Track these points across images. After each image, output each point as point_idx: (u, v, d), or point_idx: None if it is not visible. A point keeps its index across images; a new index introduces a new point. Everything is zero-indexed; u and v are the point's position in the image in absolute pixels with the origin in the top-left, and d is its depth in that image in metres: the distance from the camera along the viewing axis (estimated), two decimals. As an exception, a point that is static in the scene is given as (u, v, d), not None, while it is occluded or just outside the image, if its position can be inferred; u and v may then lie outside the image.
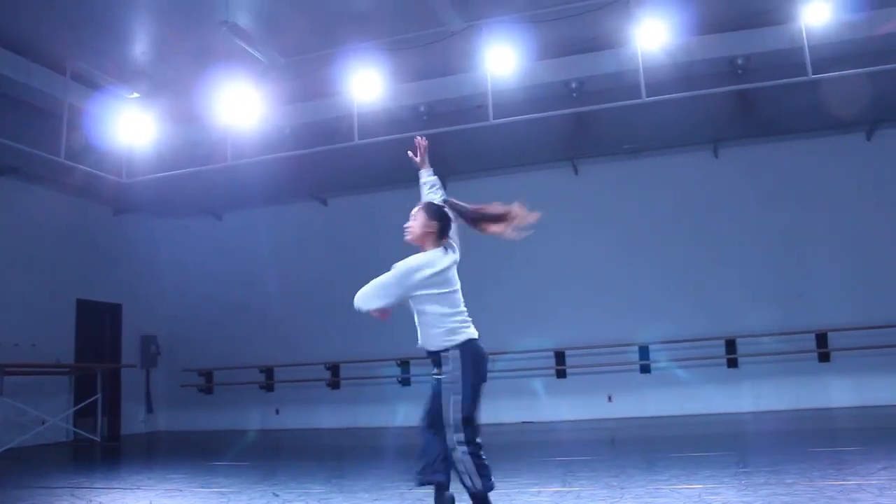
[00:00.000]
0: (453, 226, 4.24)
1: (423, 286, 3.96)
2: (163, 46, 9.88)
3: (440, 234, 4.15)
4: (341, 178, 13.30)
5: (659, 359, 12.34)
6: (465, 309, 4.07)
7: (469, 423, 3.86)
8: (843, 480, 5.18)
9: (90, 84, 10.54)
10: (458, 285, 4.12)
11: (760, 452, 7.48)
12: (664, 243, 12.71)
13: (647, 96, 9.24)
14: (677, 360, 12.17)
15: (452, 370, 3.92)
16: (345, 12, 9.27)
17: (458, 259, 4.18)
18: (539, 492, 5.47)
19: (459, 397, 3.88)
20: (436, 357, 4.01)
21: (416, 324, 4.09)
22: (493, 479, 3.89)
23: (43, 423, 11.83)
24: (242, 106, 10.29)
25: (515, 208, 4.18)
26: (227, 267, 14.57)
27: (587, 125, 11.35)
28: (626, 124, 11.28)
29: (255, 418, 14.40)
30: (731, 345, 12.17)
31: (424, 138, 4.81)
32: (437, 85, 10.93)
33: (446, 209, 4.24)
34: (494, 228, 4.20)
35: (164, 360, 15.05)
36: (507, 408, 12.15)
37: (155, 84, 10.71)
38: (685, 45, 9.66)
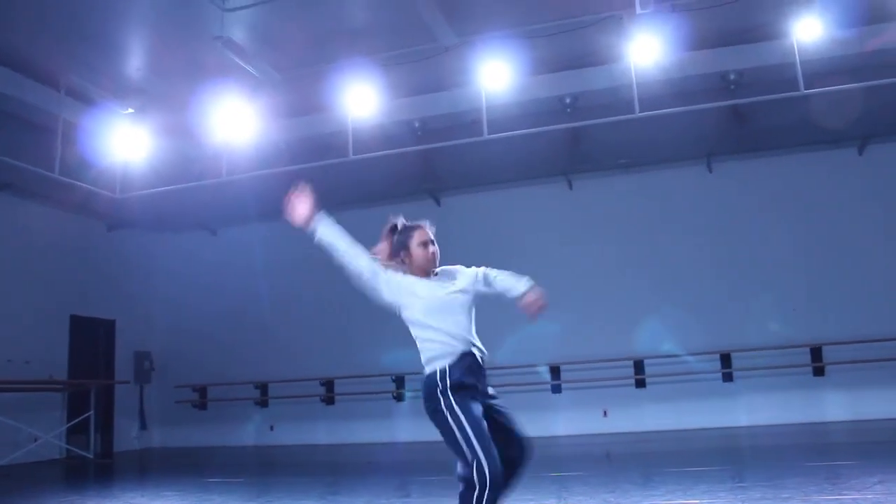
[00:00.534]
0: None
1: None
2: (157, 62, 9.90)
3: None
4: (336, 193, 13.28)
5: (655, 373, 12.32)
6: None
7: None
8: (839, 495, 5.18)
9: (85, 99, 10.54)
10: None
11: (757, 467, 7.46)
12: (658, 258, 12.72)
13: (641, 111, 9.29)
14: (673, 375, 12.15)
15: None
16: (339, 27, 9.31)
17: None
18: (534, 507, 5.44)
19: None
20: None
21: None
22: None
23: (35, 440, 11.75)
24: (237, 121, 10.31)
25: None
26: (221, 282, 14.53)
27: (581, 140, 11.40)
28: (620, 139, 11.32)
29: (249, 434, 14.33)
30: (726, 359, 12.16)
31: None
32: (431, 100, 10.97)
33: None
34: None
35: (158, 375, 14.98)
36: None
37: (149, 99, 10.72)
38: (678, 60, 9.71)
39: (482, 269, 3.87)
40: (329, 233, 4.01)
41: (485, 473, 3.27)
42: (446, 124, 11.06)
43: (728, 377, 12.14)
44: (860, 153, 12.19)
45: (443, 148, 10.34)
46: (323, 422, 13.96)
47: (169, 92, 10.50)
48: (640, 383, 12.51)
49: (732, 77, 10.17)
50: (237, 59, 9.41)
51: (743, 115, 10.84)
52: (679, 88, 10.06)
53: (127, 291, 14.38)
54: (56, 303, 12.94)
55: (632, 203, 13.04)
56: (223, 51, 9.11)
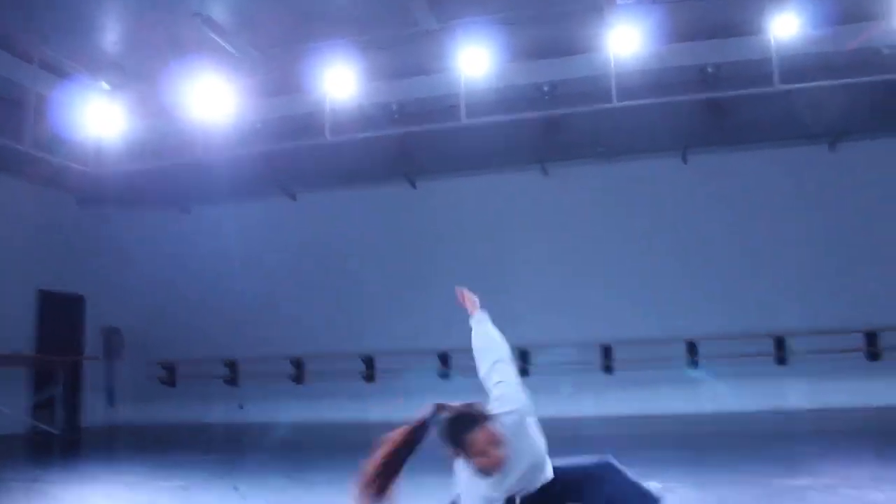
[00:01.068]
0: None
1: None
2: (134, 37, 9.79)
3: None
4: (312, 174, 13.27)
5: (624, 358, 12.50)
6: None
7: None
8: (794, 479, 5.32)
9: (59, 73, 10.40)
10: None
11: (717, 452, 7.62)
12: (630, 247, 12.84)
13: (619, 101, 9.37)
14: (638, 362, 12.32)
15: None
16: (320, 8, 9.28)
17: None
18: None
19: None
20: None
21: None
22: None
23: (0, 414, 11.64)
24: (214, 99, 10.24)
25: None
26: (193, 260, 14.44)
27: (558, 128, 11.46)
28: (596, 129, 11.40)
29: (218, 412, 14.29)
30: (691, 347, 12.35)
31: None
32: (409, 84, 10.97)
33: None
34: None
35: (127, 352, 14.86)
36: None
37: (125, 75, 10.61)
38: (657, 52, 9.81)
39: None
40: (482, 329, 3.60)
41: None
42: (424, 108, 11.07)
43: (692, 365, 12.33)
44: (832, 150, 12.37)
45: (420, 132, 10.36)
46: (293, 401, 13.95)
47: (145, 67, 10.39)
48: (608, 369, 12.67)
49: (710, 70, 10.29)
50: (215, 37, 9.35)
51: (719, 109, 10.96)
52: (657, 80, 10.15)
53: (97, 267, 14.22)
54: (23, 277, 12.77)
55: (606, 193, 13.13)
56: (202, 27, 9.05)
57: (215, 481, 6.42)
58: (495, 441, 2.90)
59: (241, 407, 14.30)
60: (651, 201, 13.00)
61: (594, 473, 3.20)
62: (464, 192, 13.56)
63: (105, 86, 10.78)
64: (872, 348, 11.57)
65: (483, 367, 3.41)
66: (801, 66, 9.51)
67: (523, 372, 12.93)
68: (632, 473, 3.17)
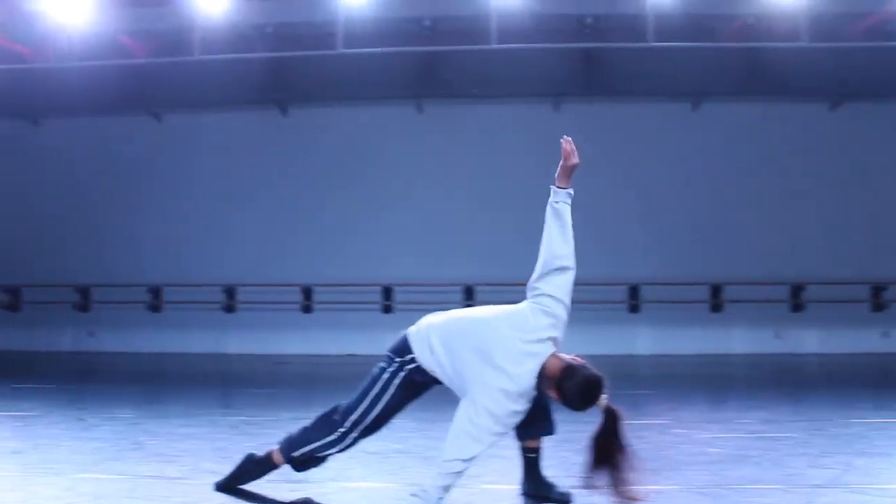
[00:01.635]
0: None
1: None
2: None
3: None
4: (177, 93, 12.58)
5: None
6: None
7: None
8: (634, 420, 5.65)
9: None
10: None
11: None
12: (501, 190, 13.01)
13: (498, 43, 9.38)
14: (499, 303, 12.64)
15: None
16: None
17: None
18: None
19: None
20: None
21: None
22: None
23: None
24: (72, 4, 9.45)
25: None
26: (42, 177, 13.51)
27: (435, 66, 11.37)
28: (474, 69, 11.38)
29: (67, 340, 13.63)
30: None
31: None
32: (287, 5, 10.54)
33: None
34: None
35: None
36: (330, 340, 12.29)
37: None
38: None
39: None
40: (566, 211, 3.40)
41: (349, 435, 3.27)
42: (301, 32, 10.69)
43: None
44: (694, 109, 12.91)
45: (294, 57, 10.00)
46: (149, 330, 13.47)
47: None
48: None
49: (589, 21, 10.46)
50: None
51: (593, 60, 11.19)
52: (536, 26, 10.22)
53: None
54: None
55: (479, 133, 13.18)
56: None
57: (59, 411, 6.13)
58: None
59: (92, 334, 13.68)
60: (523, 146, 13.15)
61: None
62: (337, 122, 13.26)
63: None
64: (716, 301, 12.65)
65: (547, 266, 3.41)
66: (675, 26, 9.82)
67: (386, 309, 13.04)
68: None
